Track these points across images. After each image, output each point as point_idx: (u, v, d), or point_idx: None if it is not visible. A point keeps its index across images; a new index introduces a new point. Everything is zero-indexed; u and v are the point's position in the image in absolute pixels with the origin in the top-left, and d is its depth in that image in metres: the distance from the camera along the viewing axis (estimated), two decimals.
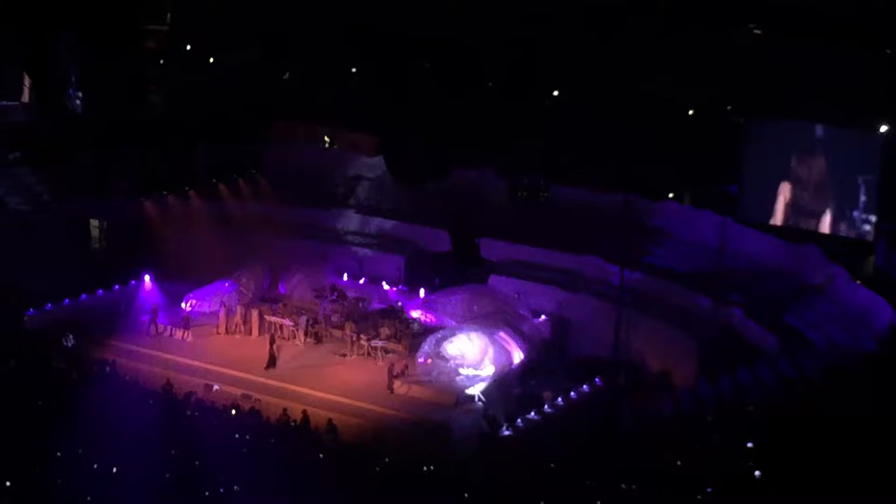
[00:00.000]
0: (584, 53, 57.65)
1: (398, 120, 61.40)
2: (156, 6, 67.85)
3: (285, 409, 42.31)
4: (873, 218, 47.98)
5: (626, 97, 55.00)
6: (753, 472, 31.90)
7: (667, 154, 53.40)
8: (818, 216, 49.56)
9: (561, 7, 58.75)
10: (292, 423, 41.65)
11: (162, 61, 68.15)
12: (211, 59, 67.84)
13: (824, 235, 49.11)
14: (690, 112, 55.73)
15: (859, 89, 48.56)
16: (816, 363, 40.79)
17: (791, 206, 50.32)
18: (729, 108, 54.21)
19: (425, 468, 36.73)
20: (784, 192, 50.33)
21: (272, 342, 48.32)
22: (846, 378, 37.97)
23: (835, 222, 49.09)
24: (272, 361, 47.31)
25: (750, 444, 33.53)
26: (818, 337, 43.66)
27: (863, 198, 48.19)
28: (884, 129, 48.15)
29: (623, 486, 33.02)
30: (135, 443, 35.45)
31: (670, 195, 54.99)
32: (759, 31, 55.59)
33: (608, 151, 53.80)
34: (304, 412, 41.93)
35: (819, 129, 49.41)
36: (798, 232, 49.61)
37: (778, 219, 50.62)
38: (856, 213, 48.36)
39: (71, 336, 48.44)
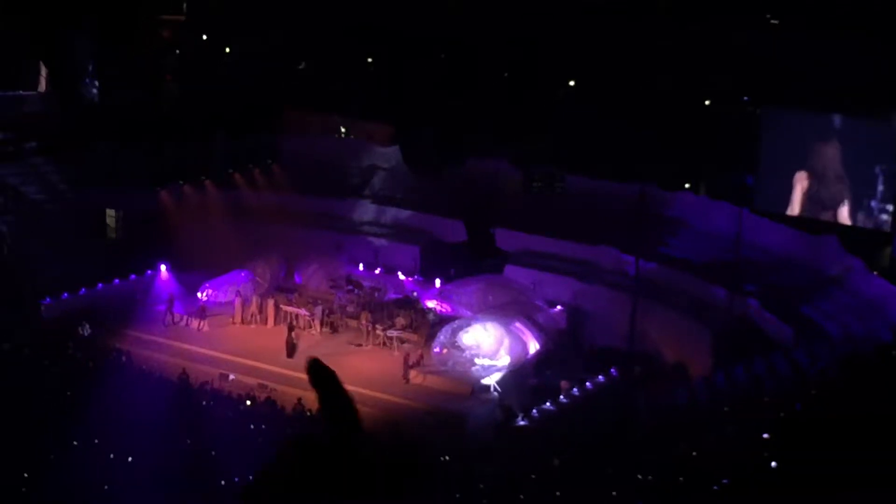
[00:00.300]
0: (598, 47, 57.56)
1: (413, 109, 61.43)
2: None
3: (300, 399, 42.36)
4: (890, 208, 47.82)
5: (641, 89, 54.91)
6: (769, 463, 31.82)
7: (682, 145, 53.30)
8: (835, 207, 49.43)
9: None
10: (308, 413, 41.67)
11: (178, 51, 68.21)
12: (227, 49, 67.89)
13: (841, 226, 48.96)
14: (706, 102, 55.62)
15: (876, 79, 48.39)
16: (832, 354, 40.69)
17: (808, 197, 50.21)
18: (745, 98, 54.05)
19: (440, 458, 36.74)
20: (801, 182, 50.21)
21: (291, 330, 48.42)
22: (862, 369, 37.87)
23: (852, 213, 48.95)
24: (292, 349, 47.38)
25: (766, 436, 33.44)
26: (834, 328, 43.55)
27: (880, 188, 48.04)
28: None
29: (638, 476, 32.99)
30: (150, 432, 35.56)
31: (686, 185, 54.90)
32: (775, 22, 55.45)
33: (623, 143, 53.71)
34: None
35: (836, 120, 49.28)
36: (815, 222, 49.48)
37: (795, 209, 50.50)
38: (873, 203, 48.21)
39: (87, 325, 48.61)
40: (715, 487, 31.05)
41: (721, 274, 48.30)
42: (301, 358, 46.92)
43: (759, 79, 52.98)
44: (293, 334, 48.06)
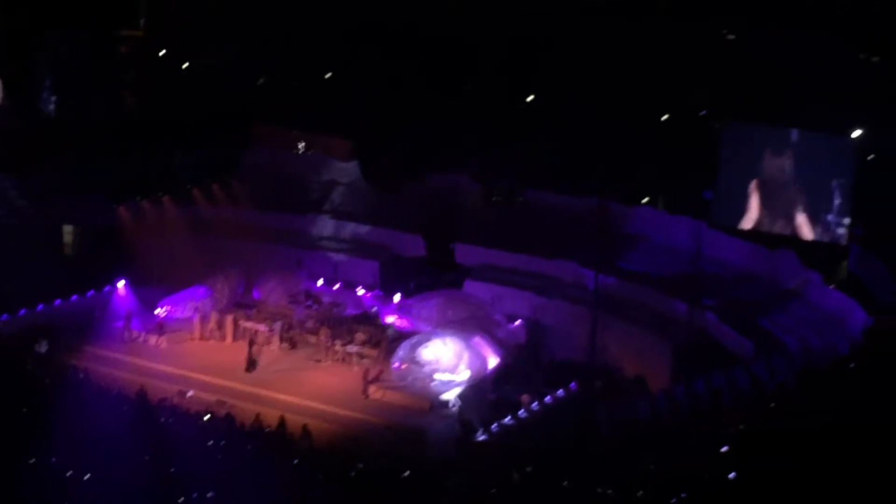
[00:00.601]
0: (562, 59, 57.69)
1: (376, 124, 61.38)
2: (130, 10, 67.72)
3: (258, 415, 42.16)
4: (847, 221, 48.06)
5: (601, 102, 55.03)
6: (727, 475, 31.91)
7: (642, 159, 53.46)
8: (792, 220, 49.59)
9: (535, 11, 58.80)
10: (266, 429, 41.49)
11: (136, 66, 67.92)
12: (185, 64, 67.65)
13: (798, 240, 49.16)
14: (665, 117, 55.77)
15: (834, 93, 48.70)
16: (791, 367, 40.88)
17: (765, 211, 50.36)
18: (704, 112, 54.24)
19: (400, 473, 36.63)
20: (758, 196, 50.36)
21: (251, 345, 48.25)
22: (820, 382, 38.05)
23: (809, 226, 49.15)
24: (252, 364, 47.23)
25: (724, 449, 33.54)
26: (792, 341, 43.76)
27: (837, 201, 48.25)
28: (857, 133, 48.27)
29: (598, 490, 32.98)
30: (108, 449, 35.28)
31: (645, 200, 55.03)
32: (732, 37, 55.72)
33: (584, 156, 53.82)
34: (282, 418, 41.76)
35: (794, 134, 49.46)
36: (772, 236, 49.67)
37: (752, 223, 50.65)
38: (830, 217, 48.39)
39: (44, 342, 48.19)
40: (674, 500, 31.12)
41: (680, 288, 48.45)
42: (261, 373, 47.06)
43: (719, 93, 53.24)
44: (253, 350, 47.89)
